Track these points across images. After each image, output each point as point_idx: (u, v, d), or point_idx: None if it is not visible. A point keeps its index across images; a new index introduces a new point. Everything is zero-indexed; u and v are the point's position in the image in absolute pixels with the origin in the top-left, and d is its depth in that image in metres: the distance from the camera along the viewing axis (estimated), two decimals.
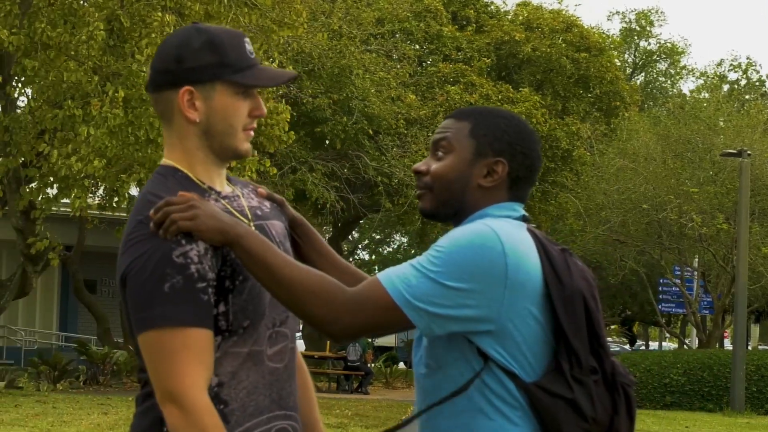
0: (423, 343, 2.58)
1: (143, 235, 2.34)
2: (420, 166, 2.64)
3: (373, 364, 30.80)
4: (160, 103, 2.49)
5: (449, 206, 2.62)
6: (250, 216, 2.51)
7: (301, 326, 41.63)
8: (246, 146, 2.51)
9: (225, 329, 2.38)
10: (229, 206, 2.48)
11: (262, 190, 2.66)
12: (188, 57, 2.44)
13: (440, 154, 2.63)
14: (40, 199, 18.21)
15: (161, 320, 2.30)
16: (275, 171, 19.99)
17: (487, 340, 2.47)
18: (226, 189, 2.54)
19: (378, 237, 49.46)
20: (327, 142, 28.12)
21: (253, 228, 2.48)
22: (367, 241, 50.39)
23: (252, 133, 2.52)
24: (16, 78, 18.60)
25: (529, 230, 2.59)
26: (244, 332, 2.40)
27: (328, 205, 27.10)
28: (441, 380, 2.52)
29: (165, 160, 2.51)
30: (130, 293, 2.35)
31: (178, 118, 2.47)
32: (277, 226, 2.59)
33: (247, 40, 2.53)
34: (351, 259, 47.75)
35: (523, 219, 2.63)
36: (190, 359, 2.30)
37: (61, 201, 18.42)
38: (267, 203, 2.63)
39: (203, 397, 2.30)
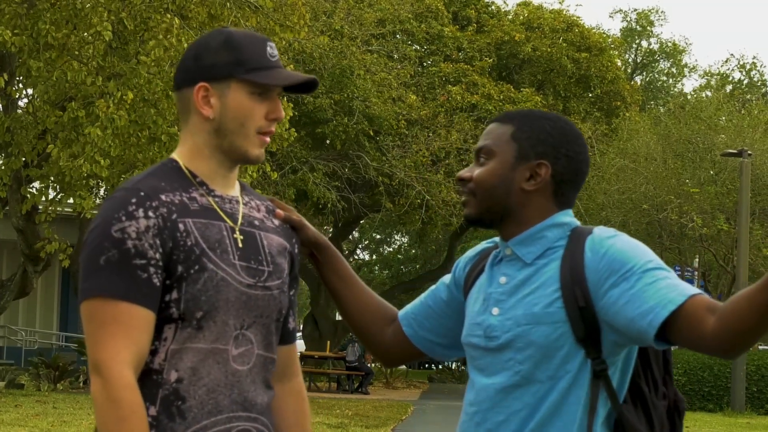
0: (523, 353, 2.51)
1: (99, 213, 2.42)
2: (464, 173, 2.62)
3: (373, 364, 30.84)
4: (180, 100, 2.53)
5: (493, 212, 2.59)
6: (240, 221, 2.51)
7: (301, 326, 41.58)
8: (258, 151, 2.50)
9: (177, 317, 2.39)
10: (215, 205, 2.48)
11: (281, 212, 2.65)
12: (205, 55, 2.49)
13: (482, 159, 2.61)
14: (45, 201, 18.20)
15: (93, 291, 2.35)
16: (276, 175, 19.99)
17: (627, 354, 2.54)
18: (231, 192, 2.55)
19: (378, 237, 49.47)
20: (328, 142, 28.14)
21: (238, 232, 2.48)
22: (367, 241, 50.40)
23: (267, 138, 2.52)
24: (18, 78, 18.61)
25: None
26: (199, 324, 2.39)
27: (329, 205, 27.12)
28: (546, 392, 2.49)
29: (172, 154, 2.56)
30: (80, 266, 2.42)
31: (194, 115, 2.49)
32: (274, 240, 2.57)
33: (271, 44, 2.53)
34: (351, 259, 47.74)
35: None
36: (117, 333, 2.32)
37: (65, 202, 18.42)
38: (276, 221, 2.63)
39: (125, 371, 2.31)
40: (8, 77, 17.26)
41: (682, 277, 33.21)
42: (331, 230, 35.85)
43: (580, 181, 2.61)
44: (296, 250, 2.66)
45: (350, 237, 43.56)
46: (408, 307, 2.86)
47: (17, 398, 19.11)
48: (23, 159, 18.02)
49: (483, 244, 2.77)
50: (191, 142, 2.52)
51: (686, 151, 30.17)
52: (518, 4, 35.78)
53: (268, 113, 2.50)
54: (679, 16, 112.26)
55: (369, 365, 29.55)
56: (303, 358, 30.51)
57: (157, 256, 2.37)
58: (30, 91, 18.82)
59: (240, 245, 2.48)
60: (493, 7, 35.08)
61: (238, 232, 2.49)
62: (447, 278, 2.81)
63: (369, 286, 2.89)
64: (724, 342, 2.30)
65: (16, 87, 18.65)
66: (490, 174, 2.58)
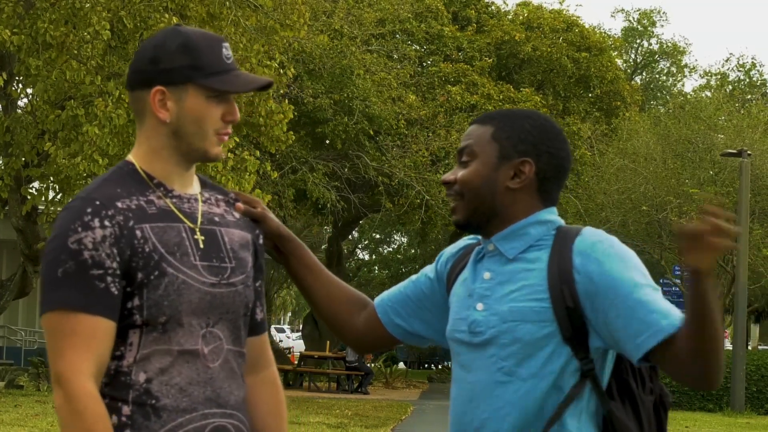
0: (507, 350, 2.52)
1: (56, 224, 2.42)
2: (448, 176, 2.63)
3: (373, 364, 30.81)
4: (135, 101, 2.53)
5: (480, 212, 2.59)
6: (200, 219, 2.51)
7: (300, 326, 41.22)
8: (216, 150, 2.52)
9: (141, 323, 2.40)
10: (173, 207, 2.50)
11: (240, 206, 2.65)
12: (162, 58, 2.48)
13: (465, 160, 2.61)
14: (45, 201, 18.19)
15: (53, 303, 2.36)
16: (276, 174, 19.98)
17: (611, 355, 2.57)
18: (190, 191, 2.55)
19: (378, 237, 49.45)
20: (327, 142, 28.14)
21: (199, 232, 2.49)
22: (366, 242, 50.38)
23: (225, 137, 2.54)
24: (18, 78, 18.60)
25: None
26: (164, 328, 2.40)
27: (329, 205, 27.12)
28: (528, 390, 2.49)
29: (128, 156, 2.56)
30: (40, 278, 2.43)
31: (150, 118, 2.50)
32: (236, 235, 2.57)
33: (225, 45, 2.54)
34: (351, 259, 47.71)
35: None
36: (77, 344, 2.33)
37: (66, 202, 18.41)
38: (236, 214, 2.63)
39: (87, 383, 2.32)
40: (7, 77, 17.25)
41: (681, 277, 33.19)
42: (330, 230, 35.84)
43: (563, 177, 2.63)
44: (260, 240, 2.67)
45: (350, 237, 43.54)
46: (385, 294, 2.86)
47: (17, 398, 19.09)
48: (23, 159, 18.02)
49: (466, 240, 2.77)
50: (147, 145, 2.52)
51: (686, 151, 30.15)
52: (518, 4, 35.79)
53: (224, 115, 2.51)
54: (680, 16, 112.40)
55: (369, 365, 29.54)
56: (303, 358, 30.51)
57: (114, 265, 2.37)
58: (29, 90, 18.82)
59: (201, 245, 2.48)
60: (493, 7, 35.08)
61: (198, 233, 2.49)
62: (429, 270, 2.80)
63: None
64: (692, 371, 2.37)
65: (15, 87, 18.64)
66: (475, 175, 2.59)
